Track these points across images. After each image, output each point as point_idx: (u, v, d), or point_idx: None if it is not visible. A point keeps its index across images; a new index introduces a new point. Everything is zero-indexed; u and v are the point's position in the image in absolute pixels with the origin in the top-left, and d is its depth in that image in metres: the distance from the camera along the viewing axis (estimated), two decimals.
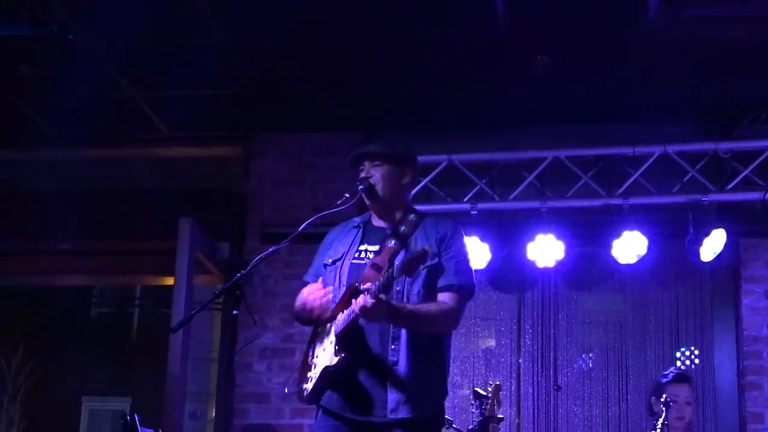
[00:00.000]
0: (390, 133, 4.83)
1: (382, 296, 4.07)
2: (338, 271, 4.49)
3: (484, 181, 7.80)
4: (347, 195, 4.51)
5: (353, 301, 4.16)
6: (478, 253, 7.62)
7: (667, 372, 6.44)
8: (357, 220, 4.70)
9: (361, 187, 4.50)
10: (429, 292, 4.37)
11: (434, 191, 7.88)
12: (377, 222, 4.62)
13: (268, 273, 8.11)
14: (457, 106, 7.90)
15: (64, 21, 6.78)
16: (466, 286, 4.44)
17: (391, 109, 7.94)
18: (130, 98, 8.03)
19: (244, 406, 8.12)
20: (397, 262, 4.24)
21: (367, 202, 4.55)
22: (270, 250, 4.54)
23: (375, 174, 4.54)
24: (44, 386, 19.08)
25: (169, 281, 8.07)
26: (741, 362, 7.84)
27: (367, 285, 4.12)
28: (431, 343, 4.39)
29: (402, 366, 4.27)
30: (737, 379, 7.89)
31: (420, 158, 7.63)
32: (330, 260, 4.56)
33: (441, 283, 4.38)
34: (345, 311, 4.26)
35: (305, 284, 4.67)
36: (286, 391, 4.77)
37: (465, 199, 7.77)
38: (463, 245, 4.53)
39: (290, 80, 7.75)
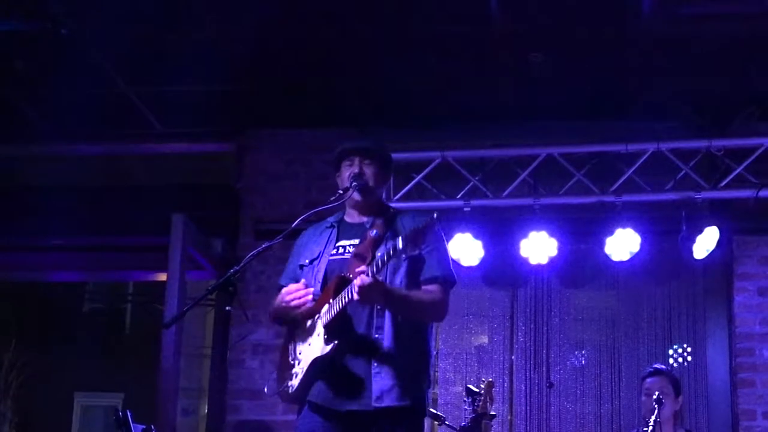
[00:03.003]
0: (372, 132, 4.82)
1: (379, 277, 4.10)
2: (315, 268, 4.52)
3: (477, 178, 7.80)
4: (341, 191, 4.52)
5: (346, 288, 4.17)
6: (470, 249, 7.63)
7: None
8: (330, 220, 4.70)
9: (355, 183, 4.50)
10: (411, 284, 4.40)
11: (427, 188, 7.87)
12: (352, 219, 4.63)
13: (261, 269, 8.10)
14: (450, 102, 7.89)
15: (58, 16, 6.76)
16: (449, 277, 4.48)
17: (385, 106, 7.95)
18: (124, 93, 8.03)
19: (237, 402, 8.11)
20: (379, 254, 4.24)
21: (358, 198, 4.55)
22: (263, 246, 4.54)
23: (366, 171, 4.55)
24: (37, 382, 19.06)
25: (162, 277, 8.06)
26: (733, 359, 7.85)
27: (362, 268, 4.12)
28: (413, 333, 4.41)
29: (386, 355, 4.29)
30: (730, 376, 7.90)
31: (413, 155, 7.80)
32: (307, 261, 4.59)
33: (425, 275, 4.42)
34: (332, 301, 4.28)
35: (280, 287, 4.70)
36: (266, 391, 4.77)
37: (458, 196, 7.76)
38: (442, 238, 4.56)
39: (284, 76, 7.74)
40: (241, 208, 8.54)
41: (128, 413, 5.86)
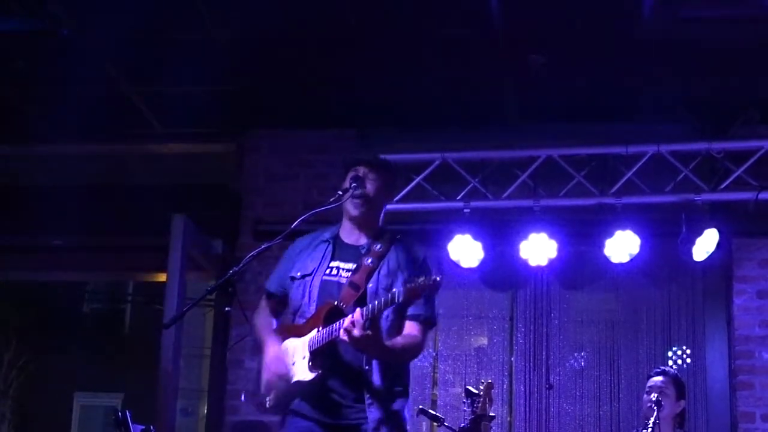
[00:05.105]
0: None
1: (369, 333, 4.07)
2: (308, 286, 4.47)
3: (477, 180, 7.80)
4: (340, 192, 4.51)
5: (339, 321, 4.16)
6: (470, 251, 7.63)
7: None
8: (326, 234, 4.65)
9: (354, 185, 4.48)
10: (397, 318, 4.39)
11: (427, 189, 7.87)
12: (348, 238, 4.59)
13: (260, 270, 8.07)
14: (450, 104, 7.90)
15: (59, 16, 6.77)
16: (432, 318, 4.48)
17: (386, 107, 7.95)
18: (124, 94, 8.03)
19: (236, 402, 8.11)
20: (371, 284, 4.31)
21: (356, 210, 4.51)
22: (263, 246, 4.53)
23: (369, 183, 4.52)
24: (36, 382, 19.11)
25: (162, 277, 8.06)
26: (732, 362, 7.86)
27: (357, 316, 4.08)
28: (398, 366, 4.44)
29: (376, 381, 4.31)
30: (729, 379, 7.90)
31: (413, 156, 7.83)
32: (299, 274, 4.54)
33: (410, 311, 4.39)
34: (321, 328, 4.27)
35: (267, 293, 4.70)
36: (242, 399, 4.77)
37: (458, 198, 7.76)
38: (432, 275, 4.55)
39: (285, 77, 7.75)
40: (241, 209, 8.55)
41: (127, 413, 5.86)
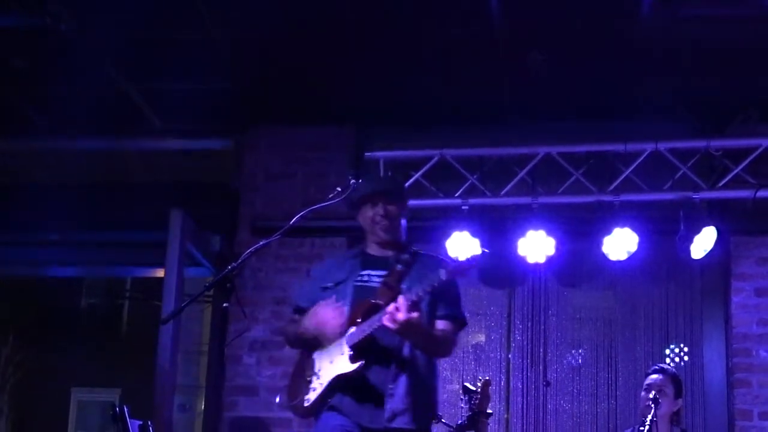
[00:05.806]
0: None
1: (415, 314, 4.22)
2: (341, 291, 4.59)
3: (475, 177, 7.80)
4: (339, 189, 4.56)
5: (379, 313, 4.30)
6: (468, 248, 7.63)
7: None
8: (351, 252, 4.86)
9: (353, 182, 4.54)
10: (430, 316, 4.54)
11: (425, 186, 7.87)
12: (374, 252, 4.73)
13: (258, 266, 8.12)
14: (449, 101, 7.90)
15: (57, 12, 6.76)
16: (461, 316, 4.68)
17: (384, 105, 7.95)
18: (123, 90, 8.03)
19: (234, 398, 8.12)
20: (404, 285, 4.44)
21: (387, 235, 4.65)
22: (261, 243, 4.56)
23: (391, 210, 4.65)
24: (33, 377, 19.06)
25: (160, 273, 8.05)
26: (730, 359, 7.86)
27: (401, 301, 4.22)
28: (427, 363, 4.58)
29: (402, 379, 4.43)
30: (726, 377, 7.90)
31: (412, 153, 7.82)
32: (332, 284, 4.65)
33: (443, 311, 4.57)
34: (361, 323, 4.39)
35: (298, 308, 4.76)
36: (278, 401, 4.84)
37: (456, 195, 7.77)
38: (458, 285, 4.72)
39: (283, 74, 7.74)
40: (240, 206, 8.55)
41: (125, 409, 5.86)
